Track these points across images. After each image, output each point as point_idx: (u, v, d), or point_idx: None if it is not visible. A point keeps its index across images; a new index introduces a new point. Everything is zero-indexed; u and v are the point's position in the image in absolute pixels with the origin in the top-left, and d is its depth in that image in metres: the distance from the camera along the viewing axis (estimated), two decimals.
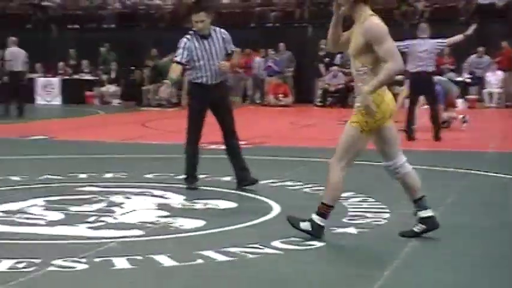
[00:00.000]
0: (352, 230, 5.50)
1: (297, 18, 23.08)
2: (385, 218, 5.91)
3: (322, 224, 5.15)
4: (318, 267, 4.68)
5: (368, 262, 4.75)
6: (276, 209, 6.34)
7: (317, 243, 5.07)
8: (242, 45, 21.55)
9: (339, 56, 20.81)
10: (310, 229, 5.14)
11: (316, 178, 7.52)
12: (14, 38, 16.94)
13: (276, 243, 5.05)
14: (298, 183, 7.53)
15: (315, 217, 5.17)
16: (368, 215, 6.03)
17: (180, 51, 7.13)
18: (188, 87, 7.58)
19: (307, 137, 13.25)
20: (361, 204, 6.47)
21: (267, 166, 9.05)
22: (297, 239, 5.14)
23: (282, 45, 21.77)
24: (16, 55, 16.53)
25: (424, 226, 5.20)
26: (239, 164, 7.36)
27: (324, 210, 5.15)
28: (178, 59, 7.13)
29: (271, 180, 7.72)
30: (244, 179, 7.31)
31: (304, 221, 5.18)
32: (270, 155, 10.04)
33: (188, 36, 7.19)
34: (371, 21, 5.01)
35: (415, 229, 5.23)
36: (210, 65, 7.14)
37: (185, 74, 8.14)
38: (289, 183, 7.62)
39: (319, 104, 20.95)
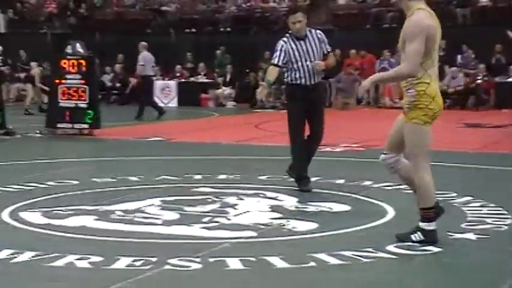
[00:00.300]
0: (471, 236, 5.30)
1: None
2: (506, 224, 5.66)
3: (431, 228, 5.02)
4: (434, 274, 4.53)
5: (487, 270, 4.55)
6: (391, 212, 6.21)
7: (433, 249, 4.92)
8: (358, 47, 21.44)
9: (459, 56, 20.19)
10: (423, 238, 5.01)
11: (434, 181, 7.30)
12: (144, 43, 17.35)
13: (391, 248, 4.94)
14: None
15: (422, 224, 5.04)
16: (488, 220, 5.80)
17: (277, 53, 7.20)
18: (287, 89, 7.61)
19: None
20: (481, 210, 6.22)
21: (381, 169, 8.89)
22: (413, 243, 5.00)
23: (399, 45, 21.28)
24: (147, 59, 17.02)
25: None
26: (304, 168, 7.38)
27: (427, 215, 5.02)
28: (275, 61, 7.19)
29: (386, 184, 7.56)
30: (301, 185, 7.31)
31: (414, 232, 5.05)
32: None
33: (285, 38, 7.26)
34: (413, 17, 4.92)
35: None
36: (308, 66, 7.16)
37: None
38: (404, 186, 7.43)
39: None
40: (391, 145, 5.22)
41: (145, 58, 16.99)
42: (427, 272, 4.57)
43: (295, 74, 7.20)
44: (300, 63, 7.17)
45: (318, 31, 7.36)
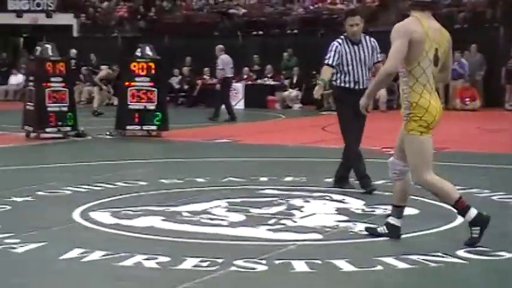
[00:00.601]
0: None
1: (488, 19, 21.99)
2: None
3: (474, 213, 5.01)
4: (506, 280, 4.40)
5: None
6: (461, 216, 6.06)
7: (506, 254, 4.78)
8: None
9: None
10: (478, 228, 4.98)
11: (506, 186, 7.13)
12: (221, 46, 17.55)
13: (461, 253, 4.83)
14: (486, 191, 7.17)
15: (466, 218, 5.05)
16: None
17: (331, 53, 7.24)
18: (334, 92, 7.65)
19: (495, 142, 12.61)
20: None
21: (451, 172, 8.71)
22: (485, 248, 4.88)
23: (474, 47, 20.58)
24: (226, 62, 17.25)
25: (387, 230, 5.29)
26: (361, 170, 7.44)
27: (460, 206, 5.06)
28: (329, 61, 7.22)
29: (456, 187, 7.39)
30: (365, 186, 7.32)
31: (470, 231, 5.01)
32: (454, 161, 9.65)
33: (339, 40, 7.32)
34: (399, 23, 5.12)
35: (379, 229, 5.33)
36: (358, 71, 7.22)
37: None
38: (475, 190, 7.27)
39: (509, 108, 19.91)
40: (400, 153, 5.24)
41: (223, 61, 17.22)
42: (499, 277, 4.44)
43: (344, 77, 7.25)
44: (350, 67, 7.22)
45: (372, 38, 7.40)
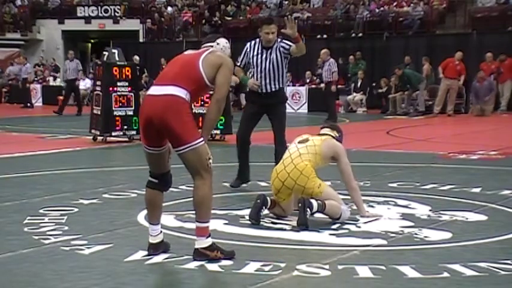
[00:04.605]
0: None
1: None
2: None
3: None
4: None
5: None
6: None
7: None
8: (498, 50, 20.56)
9: None
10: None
11: None
12: (327, 50, 18.44)
13: None
14: None
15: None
16: None
17: (241, 56, 7.58)
18: (246, 93, 8.02)
19: None
20: None
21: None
22: None
23: None
24: (335, 65, 18.21)
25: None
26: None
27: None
28: (238, 63, 7.50)
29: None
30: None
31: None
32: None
33: (252, 42, 7.57)
34: None
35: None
36: (263, 75, 7.40)
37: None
38: None
39: None
40: None
41: (335, 64, 18.08)
42: None
43: (253, 79, 7.50)
44: (256, 69, 7.43)
45: (284, 41, 7.46)
